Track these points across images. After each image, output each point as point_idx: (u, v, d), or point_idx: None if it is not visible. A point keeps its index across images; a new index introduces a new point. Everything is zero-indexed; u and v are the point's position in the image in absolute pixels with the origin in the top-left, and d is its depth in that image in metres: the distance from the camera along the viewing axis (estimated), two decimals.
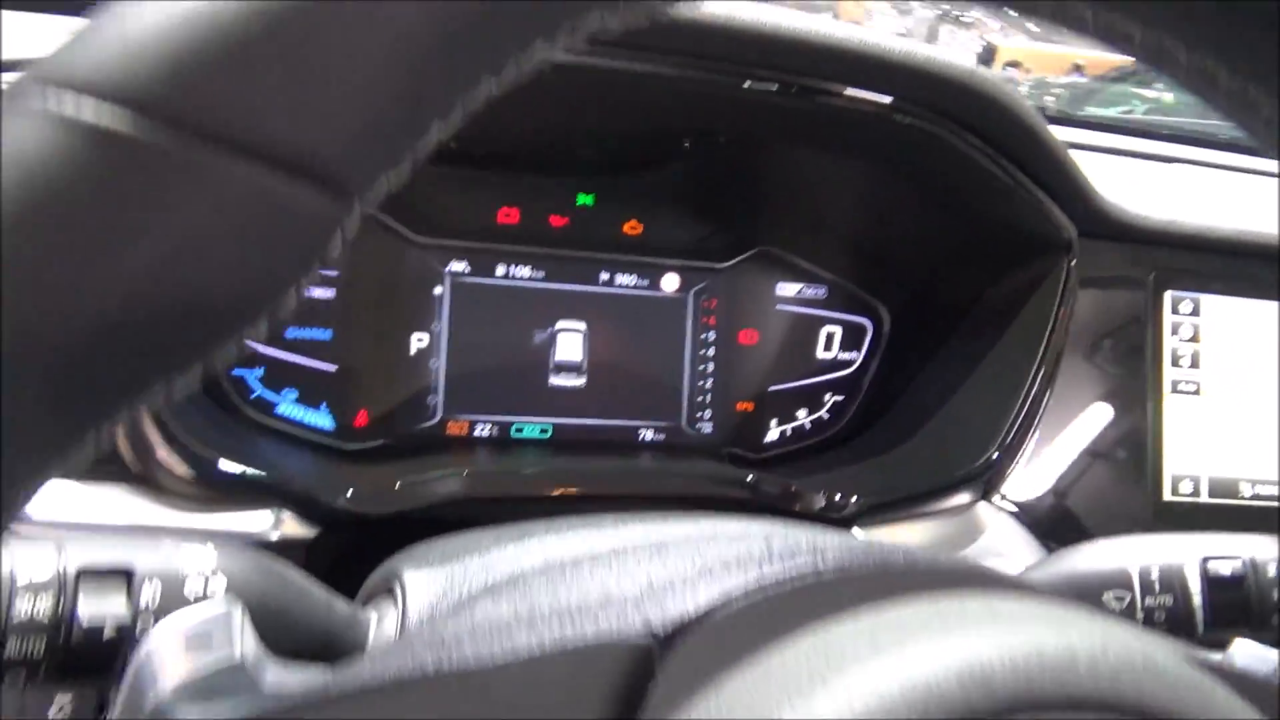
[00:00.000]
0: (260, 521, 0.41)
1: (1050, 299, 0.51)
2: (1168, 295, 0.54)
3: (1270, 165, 0.75)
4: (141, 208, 0.13)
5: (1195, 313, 0.54)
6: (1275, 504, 0.54)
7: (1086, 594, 0.35)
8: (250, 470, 0.41)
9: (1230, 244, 0.55)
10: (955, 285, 0.58)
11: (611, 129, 0.52)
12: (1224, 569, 0.36)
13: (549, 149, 0.53)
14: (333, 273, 0.51)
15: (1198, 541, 0.37)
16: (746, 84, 0.44)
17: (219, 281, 0.14)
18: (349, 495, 0.43)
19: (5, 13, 0.44)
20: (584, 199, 0.54)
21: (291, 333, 0.51)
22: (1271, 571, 0.36)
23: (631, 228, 0.55)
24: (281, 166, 0.14)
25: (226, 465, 0.41)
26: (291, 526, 0.41)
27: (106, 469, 0.39)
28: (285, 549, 0.40)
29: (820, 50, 0.44)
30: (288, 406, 0.50)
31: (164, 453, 0.39)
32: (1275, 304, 0.55)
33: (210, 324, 0.15)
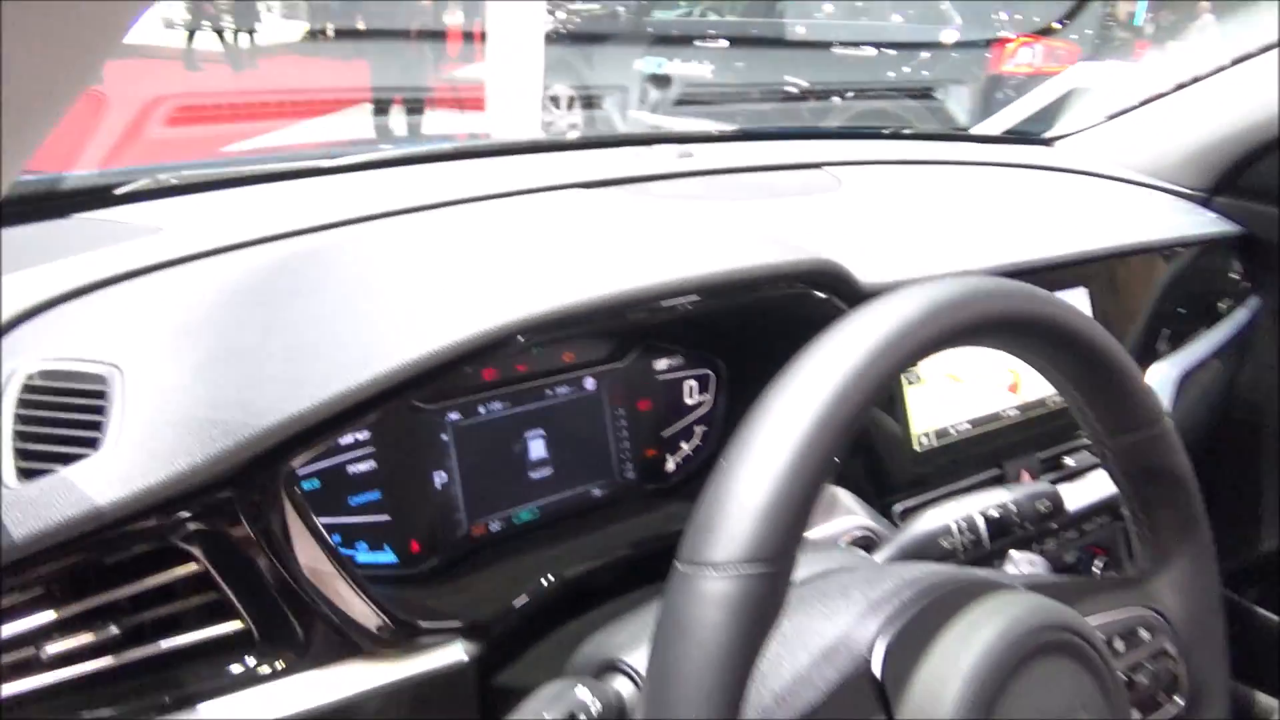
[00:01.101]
0: (453, 654, 0.59)
1: None
2: None
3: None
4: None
5: None
6: (972, 433, 0.89)
7: (929, 547, 0.64)
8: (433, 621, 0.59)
9: None
10: (760, 335, 0.84)
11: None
12: (996, 514, 0.67)
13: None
14: (370, 448, 0.67)
15: (981, 498, 0.67)
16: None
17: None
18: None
19: None
20: (536, 350, 0.74)
21: (353, 500, 0.66)
22: (1040, 507, 0.67)
23: (567, 357, 0.76)
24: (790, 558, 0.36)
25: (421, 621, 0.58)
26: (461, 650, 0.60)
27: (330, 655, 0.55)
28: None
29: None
30: (363, 556, 0.66)
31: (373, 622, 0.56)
32: None
33: None
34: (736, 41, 5.50)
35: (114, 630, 0.50)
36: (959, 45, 4.96)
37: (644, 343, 0.81)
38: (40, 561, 0.48)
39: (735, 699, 0.37)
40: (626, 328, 0.77)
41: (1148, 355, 1.14)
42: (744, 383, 0.85)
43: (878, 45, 4.99)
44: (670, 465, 0.83)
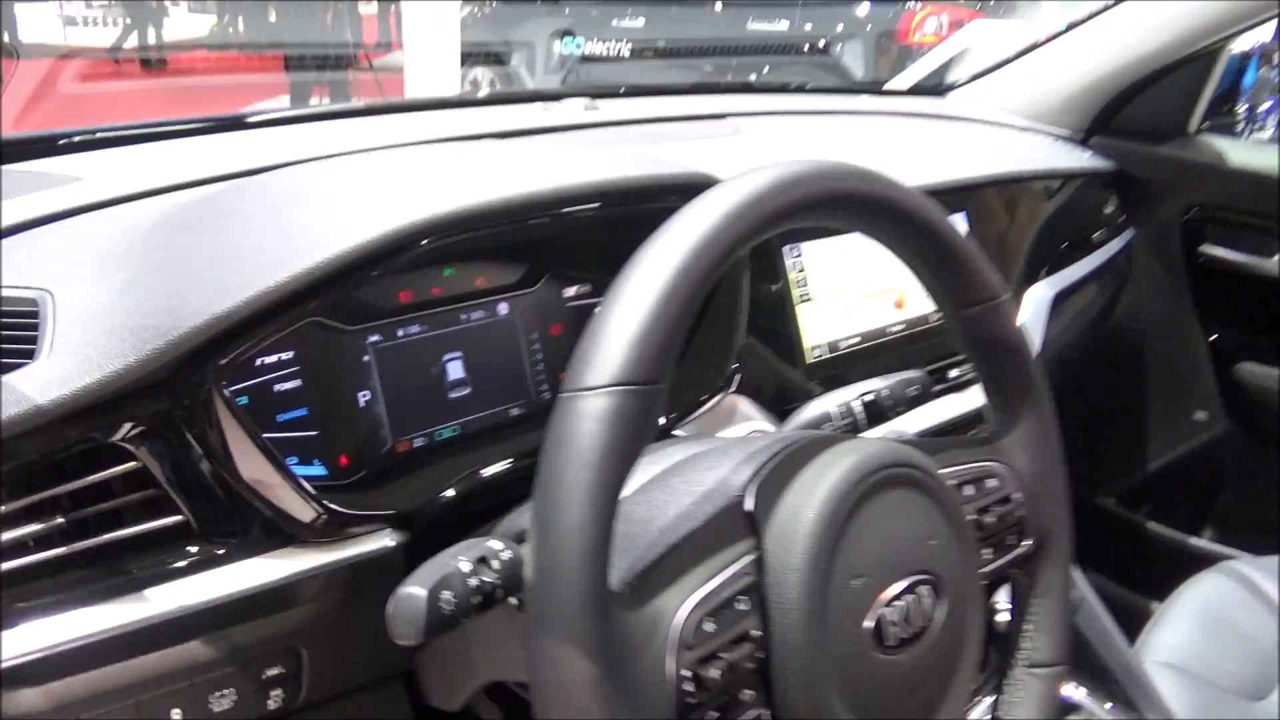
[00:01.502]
0: (381, 540, 0.64)
1: (736, 269, 0.86)
2: (784, 249, 0.92)
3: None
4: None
5: (800, 255, 0.93)
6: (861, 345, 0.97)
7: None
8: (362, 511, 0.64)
9: None
10: None
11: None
12: (870, 398, 0.74)
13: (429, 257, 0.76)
14: (295, 367, 0.71)
15: (857, 387, 0.75)
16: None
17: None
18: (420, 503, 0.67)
19: None
20: (448, 272, 0.79)
21: (280, 417, 0.71)
22: (910, 391, 0.75)
23: (479, 282, 0.81)
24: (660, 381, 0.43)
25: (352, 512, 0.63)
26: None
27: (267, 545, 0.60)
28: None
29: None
30: (294, 468, 0.71)
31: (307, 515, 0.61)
32: (845, 237, 0.96)
33: None
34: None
35: (60, 521, 0.55)
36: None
37: (553, 270, 0.86)
38: None
39: (610, 498, 0.43)
40: (533, 250, 0.83)
41: (1028, 278, 1.23)
42: None
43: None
44: None
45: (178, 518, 0.59)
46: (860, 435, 0.70)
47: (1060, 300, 1.22)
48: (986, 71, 1.64)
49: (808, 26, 5.16)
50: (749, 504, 0.52)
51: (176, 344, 0.55)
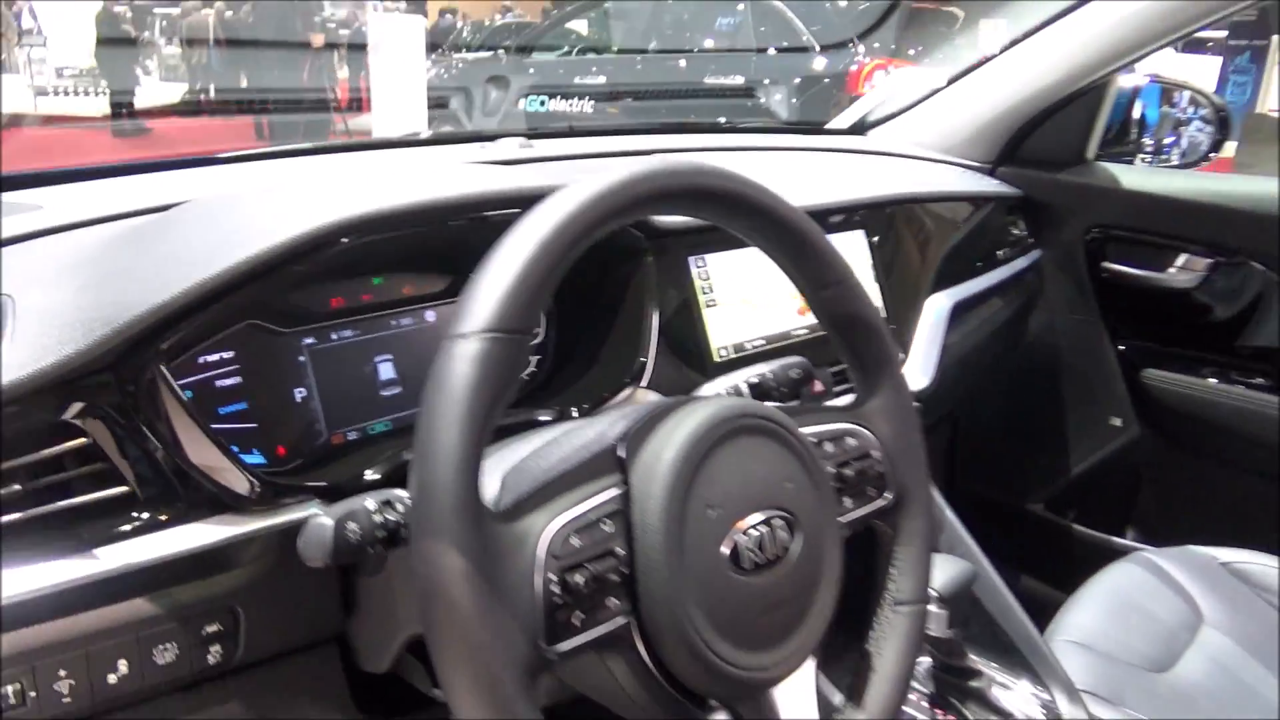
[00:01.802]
0: (311, 509, 0.71)
1: (645, 277, 0.96)
2: (690, 259, 1.02)
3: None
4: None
5: (705, 265, 1.03)
6: (766, 347, 1.06)
7: None
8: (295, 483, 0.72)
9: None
10: (583, 278, 1.00)
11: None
12: (756, 380, 0.83)
13: (359, 265, 0.85)
14: (235, 365, 0.79)
15: (745, 371, 0.83)
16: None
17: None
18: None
19: None
20: (377, 280, 0.88)
21: (221, 410, 0.78)
22: (792, 374, 0.83)
23: (407, 290, 0.90)
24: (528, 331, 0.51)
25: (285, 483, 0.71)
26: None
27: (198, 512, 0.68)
28: None
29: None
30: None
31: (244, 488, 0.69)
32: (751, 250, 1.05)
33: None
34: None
35: (17, 488, 0.62)
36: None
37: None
38: None
39: (478, 426, 0.51)
40: (456, 262, 0.92)
41: (932, 289, 1.33)
42: (576, 315, 1.01)
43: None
44: None
45: (124, 488, 0.66)
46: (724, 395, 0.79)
47: (961, 310, 1.32)
48: (902, 111, 1.77)
49: (737, 77, 5.41)
50: (620, 451, 0.60)
51: (120, 330, 0.63)
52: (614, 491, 0.58)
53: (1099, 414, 1.71)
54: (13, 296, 0.68)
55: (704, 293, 1.02)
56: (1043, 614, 1.20)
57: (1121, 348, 1.67)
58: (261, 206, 0.79)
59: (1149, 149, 1.81)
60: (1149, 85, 1.77)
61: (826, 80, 5.38)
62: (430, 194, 0.78)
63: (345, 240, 0.73)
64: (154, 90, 8.91)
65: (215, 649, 0.68)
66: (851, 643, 0.74)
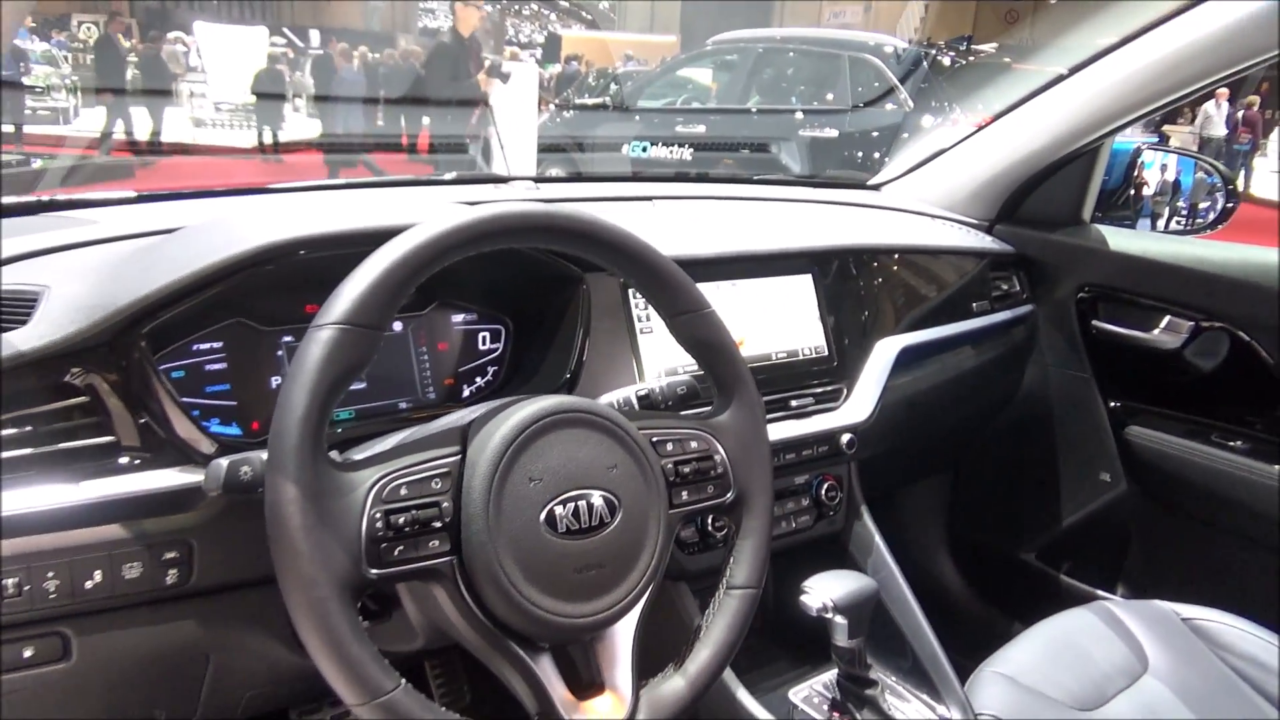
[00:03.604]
0: None
1: (579, 304, 1.11)
2: (630, 290, 1.17)
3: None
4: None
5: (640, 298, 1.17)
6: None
7: None
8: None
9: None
10: (534, 302, 1.16)
11: None
12: (644, 393, 0.96)
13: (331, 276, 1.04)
14: (222, 354, 0.98)
15: (631, 387, 0.97)
16: None
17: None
18: None
19: None
20: None
21: (207, 389, 0.97)
22: (678, 390, 0.96)
23: None
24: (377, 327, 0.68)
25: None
26: None
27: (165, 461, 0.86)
28: None
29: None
30: (215, 428, 0.97)
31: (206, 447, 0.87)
32: None
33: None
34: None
35: (30, 429, 0.82)
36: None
37: (442, 298, 1.12)
38: None
39: (322, 395, 0.67)
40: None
41: (890, 333, 1.43)
42: (528, 333, 1.17)
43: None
44: (465, 392, 1.14)
45: (111, 438, 0.85)
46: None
47: (913, 354, 1.41)
48: (913, 169, 1.88)
49: (831, 131, 5.52)
50: (467, 431, 0.76)
51: (111, 315, 0.83)
52: (452, 459, 0.74)
53: (1090, 468, 1.76)
54: (49, 287, 0.89)
55: (640, 320, 1.17)
56: None
57: (1112, 404, 1.71)
58: (236, 224, 0.98)
59: (1156, 214, 1.85)
60: (1159, 152, 1.83)
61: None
62: (369, 221, 0.95)
63: (302, 253, 0.91)
64: (298, 125, 9.63)
65: (173, 573, 0.86)
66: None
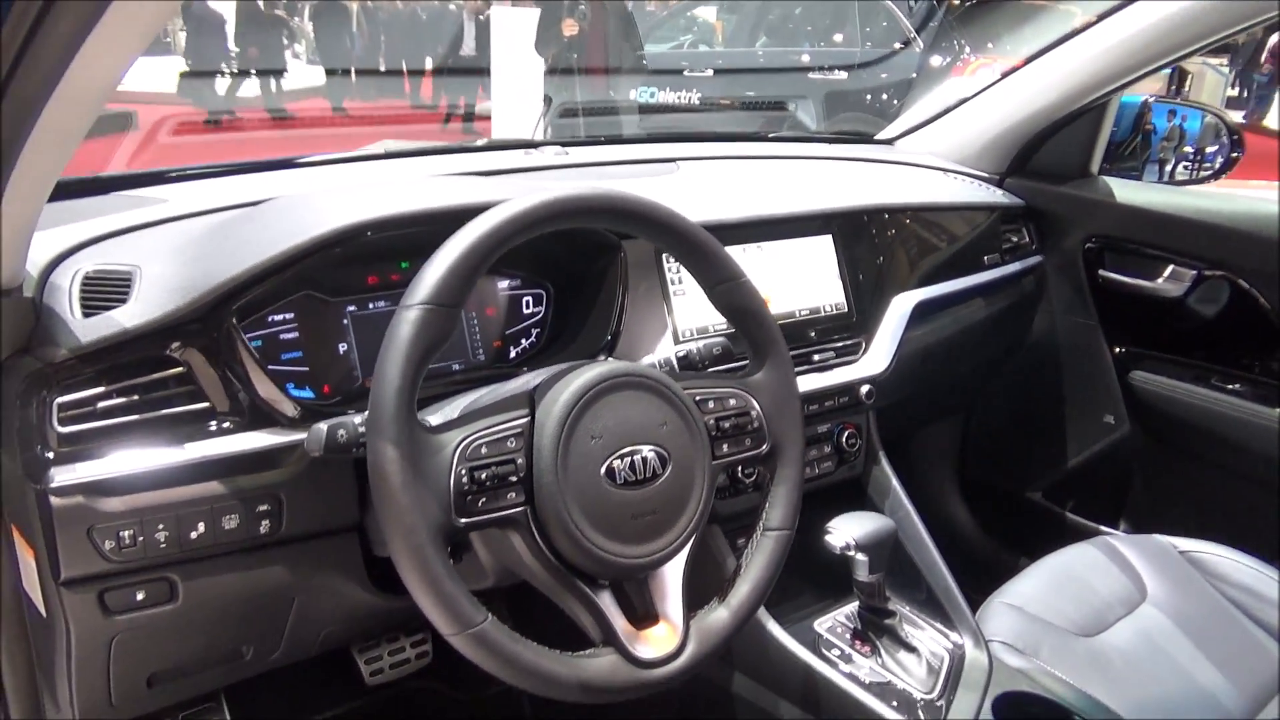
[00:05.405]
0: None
1: (618, 269, 1.19)
2: (663, 255, 1.24)
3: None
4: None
5: (672, 262, 1.25)
6: (727, 329, 1.27)
7: None
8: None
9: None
10: (574, 268, 1.24)
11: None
12: (683, 353, 1.05)
13: (391, 251, 1.11)
14: (294, 324, 1.07)
15: (673, 347, 1.06)
16: None
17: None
18: None
19: None
20: (404, 264, 1.14)
21: (283, 356, 1.06)
22: (714, 350, 1.05)
23: None
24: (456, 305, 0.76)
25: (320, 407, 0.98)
26: None
27: (256, 425, 0.95)
28: None
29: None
30: (293, 392, 1.06)
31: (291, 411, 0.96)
32: None
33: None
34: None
35: (136, 398, 0.91)
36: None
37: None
38: (96, 360, 0.89)
39: (412, 369, 0.76)
40: None
41: (906, 289, 1.50)
42: (569, 297, 1.25)
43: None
44: (512, 354, 1.23)
45: (206, 404, 0.94)
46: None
47: (927, 309, 1.49)
48: (926, 122, 1.93)
49: (840, 74, 5.51)
50: (534, 395, 0.85)
51: (205, 294, 0.91)
52: (523, 420, 0.83)
53: (1094, 411, 1.84)
54: (140, 267, 0.97)
55: (673, 283, 1.25)
56: None
57: (1117, 350, 1.79)
58: (310, 207, 1.06)
59: (1164, 160, 1.91)
60: (1166, 104, 1.87)
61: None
62: (432, 203, 1.03)
63: (370, 234, 0.99)
64: (301, 73, 9.55)
65: (265, 523, 0.96)
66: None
